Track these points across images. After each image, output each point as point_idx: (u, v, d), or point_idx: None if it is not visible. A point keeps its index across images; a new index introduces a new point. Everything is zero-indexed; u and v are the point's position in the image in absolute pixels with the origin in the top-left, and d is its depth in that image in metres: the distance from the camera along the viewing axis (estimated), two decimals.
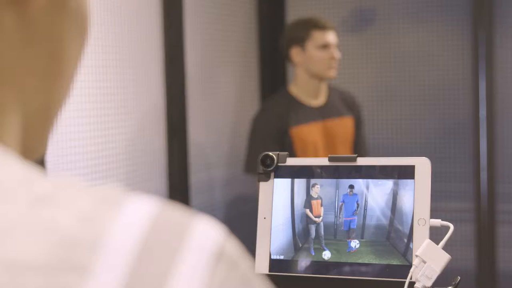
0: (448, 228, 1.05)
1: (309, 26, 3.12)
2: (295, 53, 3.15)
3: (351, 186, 1.12)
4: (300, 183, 1.14)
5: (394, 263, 1.07)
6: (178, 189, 3.03)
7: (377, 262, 1.08)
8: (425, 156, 1.08)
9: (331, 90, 3.26)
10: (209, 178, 3.35)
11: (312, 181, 1.14)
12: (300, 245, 1.12)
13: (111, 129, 2.63)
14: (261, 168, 1.15)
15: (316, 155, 3.07)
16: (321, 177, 1.13)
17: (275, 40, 3.84)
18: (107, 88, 2.62)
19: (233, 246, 0.43)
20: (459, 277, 1.04)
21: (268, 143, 3.07)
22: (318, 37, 3.10)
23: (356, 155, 1.13)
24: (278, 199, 1.14)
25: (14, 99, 0.50)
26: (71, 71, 0.55)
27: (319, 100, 3.19)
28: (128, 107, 2.74)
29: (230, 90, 3.56)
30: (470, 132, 3.57)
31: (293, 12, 3.85)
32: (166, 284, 0.40)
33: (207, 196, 3.33)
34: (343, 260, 1.10)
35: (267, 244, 1.13)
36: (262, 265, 1.12)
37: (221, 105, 3.47)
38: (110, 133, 2.63)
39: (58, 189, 0.43)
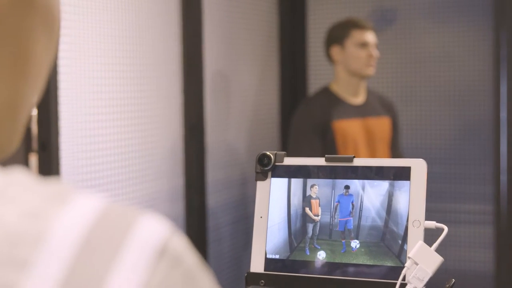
0: (442, 230, 1.04)
1: (349, 25, 3.21)
2: (335, 52, 3.23)
3: (347, 187, 1.11)
4: (297, 182, 1.14)
5: (388, 264, 1.07)
6: (195, 188, 3.04)
7: (371, 263, 1.08)
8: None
9: (370, 91, 3.33)
10: (226, 176, 3.36)
11: (309, 181, 1.14)
12: (296, 245, 1.12)
13: (129, 127, 2.65)
14: (258, 167, 1.15)
15: (356, 150, 3.11)
16: (317, 177, 1.13)
17: (296, 39, 3.84)
18: (125, 85, 2.63)
19: (179, 243, 0.43)
20: (453, 280, 1.04)
21: (311, 137, 3.12)
22: (357, 35, 3.18)
23: (353, 155, 1.12)
24: (274, 198, 1.14)
25: None
26: (40, 69, 0.54)
27: (359, 99, 3.26)
28: (145, 105, 2.76)
29: (248, 89, 3.56)
30: (491, 134, 3.53)
31: (314, 12, 3.85)
32: (105, 280, 0.40)
33: (224, 194, 3.34)
34: (337, 260, 1.09)
35: (263, 243, 1.13)
36: (258, 264, 1.12)
37: (239, 104, 3.47)
38: (128, 130, 2.64)
39: (7, 185, 0.43)
